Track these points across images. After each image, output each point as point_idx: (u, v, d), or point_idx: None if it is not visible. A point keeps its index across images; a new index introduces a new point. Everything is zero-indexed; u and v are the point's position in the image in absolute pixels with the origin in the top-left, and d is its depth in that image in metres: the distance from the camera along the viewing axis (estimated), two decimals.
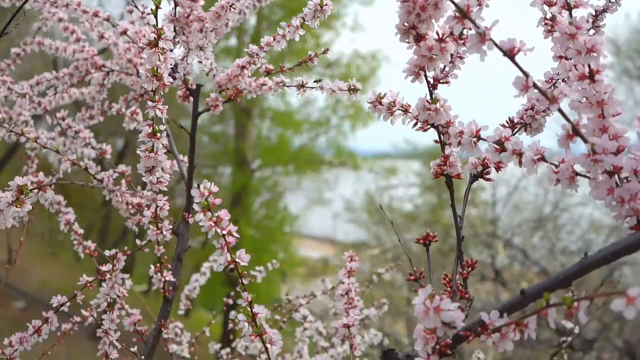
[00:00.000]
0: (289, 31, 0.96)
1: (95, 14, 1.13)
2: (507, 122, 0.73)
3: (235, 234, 0.67)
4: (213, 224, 0.66)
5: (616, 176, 0.56)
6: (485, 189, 9.40)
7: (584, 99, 0.58)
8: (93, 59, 1.23)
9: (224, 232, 0.66)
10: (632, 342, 5.94)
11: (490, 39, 0.53)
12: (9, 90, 1.17)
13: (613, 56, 9.48)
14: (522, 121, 0.72)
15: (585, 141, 0.54)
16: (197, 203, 0.65)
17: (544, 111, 0.70)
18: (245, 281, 0.70)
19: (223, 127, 11.95)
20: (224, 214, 0.67)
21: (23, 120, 1.31)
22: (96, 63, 1.23)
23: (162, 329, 1.04)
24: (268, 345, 0.69)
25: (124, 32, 1.10)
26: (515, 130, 0.73)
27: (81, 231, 1.14)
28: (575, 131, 0.55)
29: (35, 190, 0.71)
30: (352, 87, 0.90)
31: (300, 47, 10.92)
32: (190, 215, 1.02)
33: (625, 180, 0.56)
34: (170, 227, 0.95)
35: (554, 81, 0.73)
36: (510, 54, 0.54)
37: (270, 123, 11.84)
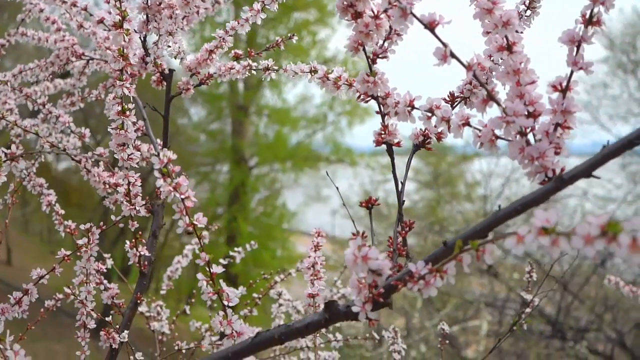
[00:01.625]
0: (251, 15, 1.01)
1: (74, 4, 1.18)
2: (448, 95, 0.78)
3: (194, 199, 0.73)
4: (172, 189, 0.71)
5: (531, 137, 0.62)
6: (481, 184, 9.47)
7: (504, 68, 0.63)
8: (73, 47, 1.28)
9: (183, 196, 0.72)
10: (624, 332, 6.01)
11: (411, 13, 0.59)
12: None
13: (607, 50, 9.53)
14: (461, 95, 0.78)
15: (499, 105, 0.60)
16: (156, 169, 0.71)
17: (482, 85, 0.76)
18: (205, 242, 0.76)
19: (220, 124, 12.02)
20: (183, 180, 0.72)
21: (8, 109, 1.37)
22: (76, 51, 1.29)
23: (139, 302, 1.10)
24: (225, 302, 0.74)
25: (101, 21, 1.15)
26: (456, 103, 0.78)
27: (62, 212, 1.20)
28: (490, 96, 0.60)
29: (8, 162, 0.77)
30: (312, 69, 0.95)
31: (296, 45, 10.99)
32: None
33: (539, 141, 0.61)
34: (143, 202, 1.01)
35: (491, 57, 0.78)
36: (430, 26, 0.59)
37: (267, 120, 11.89)
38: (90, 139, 1.34)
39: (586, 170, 0.55)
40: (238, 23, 1.03)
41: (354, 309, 0.63)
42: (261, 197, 12.01)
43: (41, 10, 1.29)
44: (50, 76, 1.33)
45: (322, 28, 11.41)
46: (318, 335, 1.38)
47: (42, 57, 1.37)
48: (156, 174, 0.72)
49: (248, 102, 11.47)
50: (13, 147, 0.81)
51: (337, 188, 1.04)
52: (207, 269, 0.74)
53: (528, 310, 1.19)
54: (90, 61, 1.32)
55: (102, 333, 1.05)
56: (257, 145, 11.72)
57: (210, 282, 0.74)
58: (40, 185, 1.21)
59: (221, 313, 0.74)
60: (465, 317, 6.82)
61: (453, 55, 0.59)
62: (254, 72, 1.09)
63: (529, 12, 0.82)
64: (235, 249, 1.54)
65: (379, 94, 0.72)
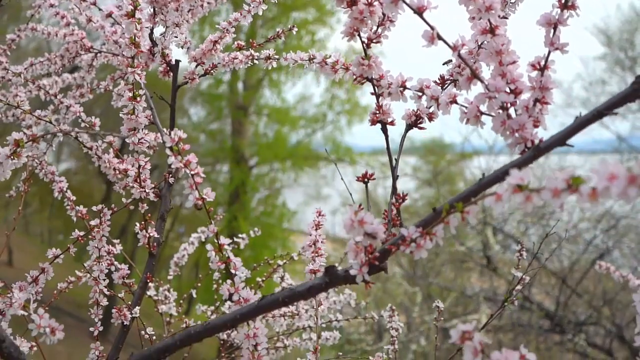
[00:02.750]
0: (253, 6, 1.07)
1: None
2: (438, 78, 0.84)
3: (202, 175, 0.78)
4: (183, 166, 0.77)
5: (513, 111, 0.68)
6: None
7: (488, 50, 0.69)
8: (82, 41, 1.34)
9: (193, 172, 0.77)
10: (622, 326, 6.06)
11: (402, 0, 0.64)
12: (5, 70, 1.28)
13: (605, 47, 9.58)
14: (451, 77, 0.83)
15: (482, 82, 0.66)
16: (168, 148, 0.76)
17: (466, 64, 0.81)
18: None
19: (220, 124, 12.08)
20: (192, 157, 0.78)
21: (20, 101, 1.42)
22: (85, 45, 1.34)
23: (148, 281, 1.15)
24: (233, 271, 0.80)
25: (109, 15, 1.20)
26: (446, 85, 0.84)
27: (74, 198, 1.25)
28: (473, 74, 0.66)
29: (30, 143, 0.82)
30: (311, 57, 1.00)
31: (295, 44, 11.07)
32: (171, 177, 1.13)
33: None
34: (153, 185, 1.06)
35: (479, 42, 0.84)
36: (419, 11, 0.65)
37: (267, 120, 11.95)
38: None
39: (561, 139, 0.61)
40: (240, 14, 1.09)
41: (352, 272, 0.69)
42: (261, 197, 12.06)
43: (51, 5, 1.34)
44: (60, 69, 1.39)
45: (320, 27, 11.48)
46: (320, 316, 1.44)
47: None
48: (167, 151, 0.77)
49: (248, 101, 11.53)
50: (34, 128, 0.87)
51: (342, 178, 1.09)
52: (216, 240, 0.80)
53: (518, 287, 1.25)
54: (98, 54, 1.38)
55: (113, 310, 1.11)
56: (257, 145, 11.77)
57: (219, 252, 0.80)
58: (52, 172, 1.26)
59: (229, 281, 0.80)
60: (465, 311, 6.88)
61: (440, 37, 0.65)
62: (256, 61, 1.14)
63: (512, 0, 0.88)
64: (240, 235, 1.59)
65: (373, 76, 0.77)
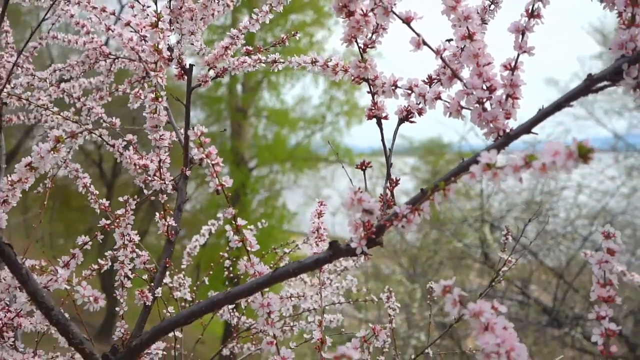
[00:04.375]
0: (260, 16, 1.19)
1: (103, 10, 1.35)
2: (426, 78, 0.95)
3: (221, 164, 0.90)
4: (205, 157, 0.88)
5: (488, 105, 0.79)
6: (480, 181, 9.63)
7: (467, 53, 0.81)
8: (101, 48, 1.45)
9: (213, 162, 0.89)
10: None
11: (392, 11, 0.76)
12: (32, 76, 1.39)
13: (601, 46, 9.69)
14: (437, 77, 0.95)
15: (461, 80, 0.77)
16: (191, 140, 0.88)
17: (447, 66, 0.93)
18: (232, 208, 0.93)
19: (219, 127, 12.19)
20: (213, 149, 0.89)
21: (42, 104, 1.54)
22: (104, 52, 1.46)
23: (167, 266, 1.26)
24: (248, 248, 0.91)
25: (128, 24, 1.32)
26: (433, 84, 0.95)
27: (97, 192, 1.37)
28: (454, 74, 0.78)
29: (69, 139, 0.93)
30: (313, 60, 1.12)
31: (294, 46, 11.19)
32: (188, 170, 1.24)
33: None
34: (172, 178, 1.18)
35: (460, 47, 0.95)
36: (407, 21, 0.76)
37: (266, 122, 12.07)
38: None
39: (527, 128, 0.73)
40: (250, 23, 1.21)
41: (352, 245, 0.80)
42: (261, 199, 12.16)
43: (72, 16, 1.46)
44: (80, 74, 1.51)
45: (318, 29, 11.61)
46: (324, 299, 1.55)
47: (42, 67, 1.54)
48: (191, 144, 0.89)
49: (247, 104, 11.64)
50: (73, 125, 0.98)
51: (350, 178, 1.19)
52: (233, 221, 0.91)
53: (505, 268, 1.36)
54: (116, 60, 1.49)
55: (136, 292, 1.22)
56: (257, 147, 11.88)
57: (236, 232, 0.91)
58: (76, 170, 1.38)
59: (245, 258, 0.91)
60: None
61: (425, 43, 0.76)
62: (263, 65, 1.26)
63: (492, 7, 0.99)
64: (249, 227, 1.69)
65: (369, 77, 0.89)
